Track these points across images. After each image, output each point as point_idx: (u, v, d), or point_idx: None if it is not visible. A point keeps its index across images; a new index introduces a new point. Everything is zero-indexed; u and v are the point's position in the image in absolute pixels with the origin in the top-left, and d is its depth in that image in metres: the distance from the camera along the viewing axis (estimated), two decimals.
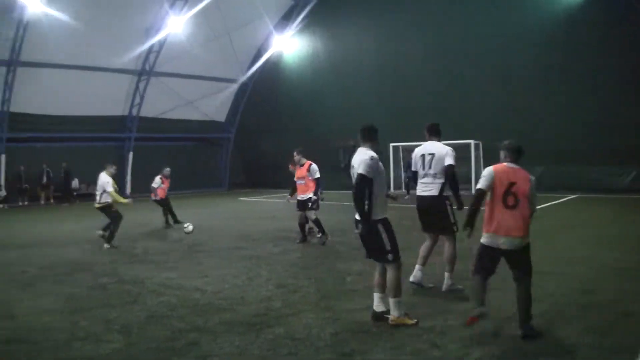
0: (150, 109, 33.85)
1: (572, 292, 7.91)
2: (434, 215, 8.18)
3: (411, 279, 8.29)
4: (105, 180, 13.70)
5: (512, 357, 5.66)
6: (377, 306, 6.89)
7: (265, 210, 22.45)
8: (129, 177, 33.84)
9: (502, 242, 6.12)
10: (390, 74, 30.51)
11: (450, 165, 8.02)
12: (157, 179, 18.62)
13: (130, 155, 33.95)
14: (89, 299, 8.44)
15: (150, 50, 31.98)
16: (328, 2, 33.35)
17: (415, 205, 8.49)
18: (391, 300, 6.68)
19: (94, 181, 31.95)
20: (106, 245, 13.51)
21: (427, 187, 8.15)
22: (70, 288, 9.16)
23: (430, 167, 8.07)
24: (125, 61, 30.64)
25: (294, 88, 35.63)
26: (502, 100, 26.53)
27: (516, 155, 6.35)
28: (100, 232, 13.85)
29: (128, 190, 33.53)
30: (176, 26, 30.39)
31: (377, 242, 6.70)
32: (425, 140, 8.48)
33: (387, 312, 6.75)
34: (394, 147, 28.87)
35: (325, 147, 31.09)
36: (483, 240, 6.30)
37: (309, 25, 34.73)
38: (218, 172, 39.45)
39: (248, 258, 11.57)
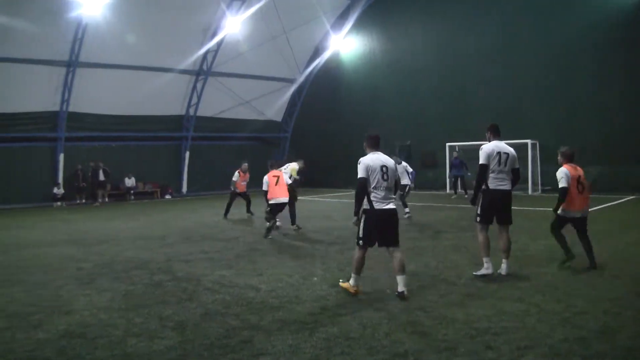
0: (207, 109, 34.21)
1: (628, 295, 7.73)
2: (507, 207, 9.21)
3: (481, 272, 9.04)
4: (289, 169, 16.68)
5: None
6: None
7: (320, 209, 22.32)
8: (185, 176, 34.39)
9: (577, 213, 9.34)
10: (446, 73, 30.13)
11: (519, 168, 9.37)
12: (236, 173, 19.84)
13: (187, 154, 34.37)
14: (145, 296, 8.53)
15: (207, 51, 32.29)
16: (384, 1, 33.14)
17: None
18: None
19: (150, 180, 32.70)
20: (293, 227, 15.91)
21: (502, 182, 9.09)
22: (126, 285, 9.28)
23: (505, 165, 9.03)
24: (182, 62, 31.04)
25: (351, 87, 35.55)
26: (559, 99, 26.01)
27: (570, 159, 9.46)
28: (294, 226, 15.91)
29: (184, 188, 34.06)
30: (233, 27, 30.58)
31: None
32: (484, 139, 9.51)
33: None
34: (450, 146, 28.54)
35: (382, 146, 30.97)
36: (562, 213, 9.41)
37: (365, 25, 34.56)
38: None
39: (303, 257, 11.58)
